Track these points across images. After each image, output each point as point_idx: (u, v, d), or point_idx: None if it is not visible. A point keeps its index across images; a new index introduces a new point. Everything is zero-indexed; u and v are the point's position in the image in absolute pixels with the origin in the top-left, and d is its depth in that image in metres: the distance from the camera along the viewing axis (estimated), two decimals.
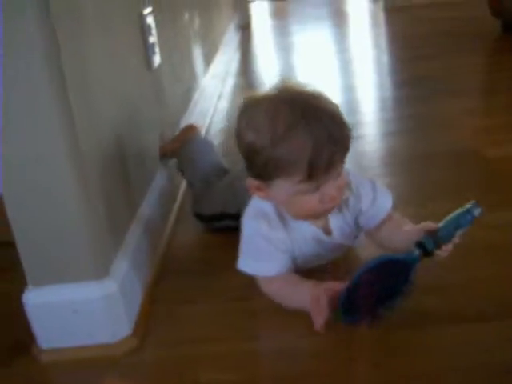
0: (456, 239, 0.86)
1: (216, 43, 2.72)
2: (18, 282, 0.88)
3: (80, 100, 0.84)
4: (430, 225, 0.87)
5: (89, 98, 0.89)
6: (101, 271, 0.87)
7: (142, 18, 1.28)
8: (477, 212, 0.84)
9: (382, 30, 3.65)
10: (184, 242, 1.22)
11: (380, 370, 0.79)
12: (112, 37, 1.06)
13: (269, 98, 0.87)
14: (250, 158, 0.87)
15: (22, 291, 0.88)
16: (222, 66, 2.72)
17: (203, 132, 1.77)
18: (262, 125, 0.84)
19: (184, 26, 1.90)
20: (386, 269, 0.82)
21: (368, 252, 1.01)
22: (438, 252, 0.85)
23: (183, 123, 1.52)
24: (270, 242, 0.91)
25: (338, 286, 0.82)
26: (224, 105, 2.27)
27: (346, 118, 0.86)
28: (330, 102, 0.87)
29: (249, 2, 4.53)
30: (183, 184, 1.44)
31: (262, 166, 0.85)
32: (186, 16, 1.95)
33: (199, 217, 1.23)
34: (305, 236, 0.94)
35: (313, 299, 0.84)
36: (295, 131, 0.81)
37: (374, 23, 3.94)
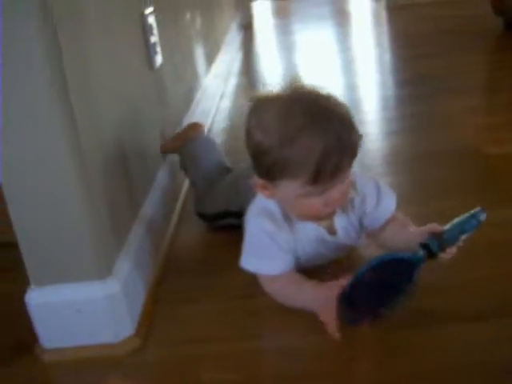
0: (460, 243, 0.86)
1: (218, 42, 2.72)
2: (21, 282, 0.89)
3: (81, 100, 0.84)
4: (435, 227, 0.87)
5: (90, 98, 0.89)
6: (103, 271, 0.88)
7: (143, 17, 1.28)
8: (482, 217, 0.84)
9: (384, 28, 3.64)
10: (187, 241, 1.22)
11: (381, 369, 0.79)
12: (113, 37, 1.06)
13: (279, 98, 0.86)
14: (258, 157, 0.87)
15: (24, 291, 0.88)
16: (224, 66, 2.71)
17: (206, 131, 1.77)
18: (272, 125, 0.84)
19: (186, 25, 1.90)
20: (389, 267, 0.82)
21: (370, 251, 1.01)
22: (441, 254, 0.85)
23: (185, 123, 1.51)
24: (274, 240, 0.91)
25: (343, 282, 0.82)
26: (226, 104, 2.27)
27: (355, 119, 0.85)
28: (340, 104, 0.86)
29: (251, 1, 4.52)
30: (186, 183, 1.44)
31: (269, 166, 0.85)
32: (188, 15, 1.95)
33: (202, 216, 1.23)
34: (309, 236, 0.94)
35: (321, 303, 0.84)
36: (304, 133, 0.81)
37: (376, 22, 3.93)
